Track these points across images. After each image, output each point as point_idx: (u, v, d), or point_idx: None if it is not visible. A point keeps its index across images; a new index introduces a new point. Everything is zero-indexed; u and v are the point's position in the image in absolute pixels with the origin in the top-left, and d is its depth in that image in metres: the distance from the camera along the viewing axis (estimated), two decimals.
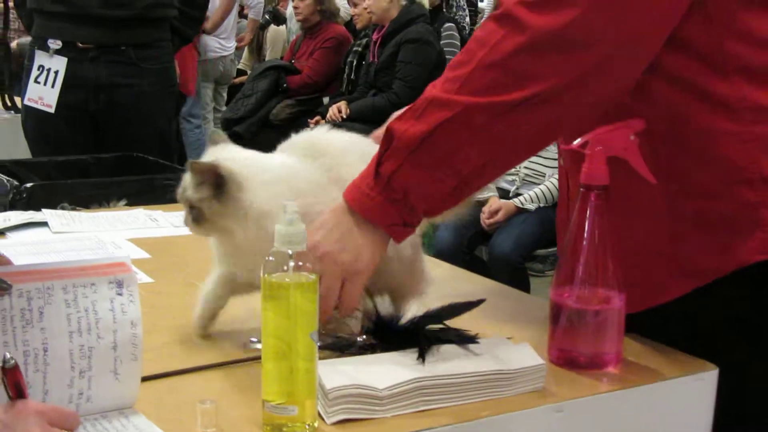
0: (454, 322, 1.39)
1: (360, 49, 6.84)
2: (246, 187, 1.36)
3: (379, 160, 1.30)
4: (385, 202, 1.30)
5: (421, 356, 1.27)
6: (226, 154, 1.43)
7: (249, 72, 8.67)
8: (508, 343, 1.36)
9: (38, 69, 3.46)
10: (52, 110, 3.44)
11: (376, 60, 6.47)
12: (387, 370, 1.22)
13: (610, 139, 1.36)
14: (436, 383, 1.21)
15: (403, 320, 1.38)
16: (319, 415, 1.16)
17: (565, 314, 1.37)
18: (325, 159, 1.44)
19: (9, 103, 4.94)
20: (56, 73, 3.43)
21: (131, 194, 2.60)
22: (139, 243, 2.06)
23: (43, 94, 3.45)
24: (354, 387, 1.17)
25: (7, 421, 0.93)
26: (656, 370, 1.37)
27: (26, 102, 3.52)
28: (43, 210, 2.28)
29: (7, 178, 2.66)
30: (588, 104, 1.33)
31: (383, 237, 1.33)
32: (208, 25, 7.31)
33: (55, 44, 3.44)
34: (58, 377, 1.09)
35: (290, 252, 1.11)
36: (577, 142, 1.36)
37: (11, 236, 2.10)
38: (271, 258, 1.12)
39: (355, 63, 6.81)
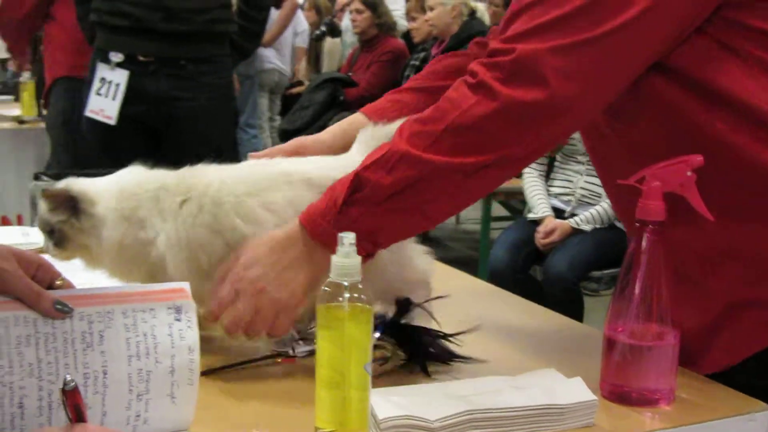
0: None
1: (418, 63, 6.84)
2: (98, 200, 1.48)
3: (345, 201, 1.33)
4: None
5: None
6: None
7: (306, 83, 8.72)
8: (560, 377, 1.36)
9: (100, 81, 3.52)
10: (113, 122, 3.50)
11: None
12: (439, 402, 1.23)
13: (668, 174, 1.36)
14: (487, 416, 1.22)
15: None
16: None
17: (618, 349, 1.37)
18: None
19: None
20: (117, 85, 3.49)
21: None
22: None
23: (104, 106, 3.51)
24: (406, 418, 1.18)
25: None
26: (708, 408, 1.36)
27: (87, 113, 3.58)
28: None
29: None
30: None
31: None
32: (266, 38, 7.38)
33: (116, 57, 3.50)
34: (116, 399, 1.11)
35: (346, 283, 1.12)
36: (633, 177, 1.37)
37: None
38: (326, 288, 1.14)
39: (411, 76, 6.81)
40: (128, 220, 1.48)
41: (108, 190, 1.51)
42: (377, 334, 1.43)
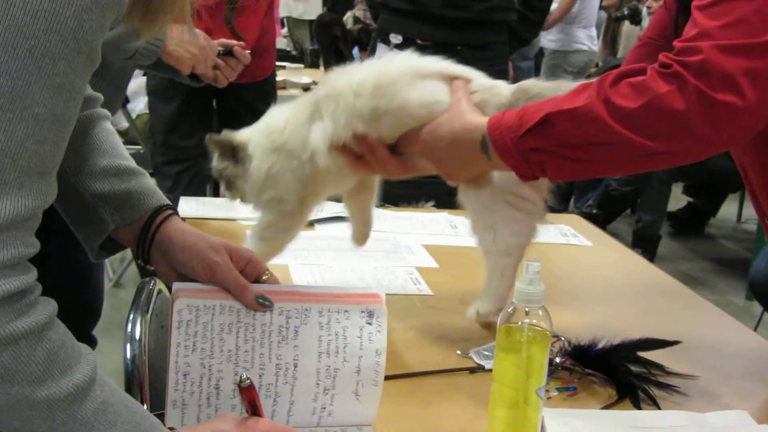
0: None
1: None
2: (247, 143, 1.66)
3: (529, 129, 1.41)
4: (521, 159, 1.43)
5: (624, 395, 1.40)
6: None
7: (600, 64, 8.62)
8: (750, 422, 1.34)
9: None
10: None
11: None
12: (611, 430, 1.25)
13: None
14: None
15: (600, 346, 1.51)
16: None
17: None
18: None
19: None
20: None
21: (441, 196, 2.71)
22: (431, 250, 2.17)
23: None
24: None
25: None
26: None
27: None
28: None
29: None
30: None
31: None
32: (548, 21, 7.36)
33: (396, 39, 3.62)
34: (304, 391, 1.21)
35: (527, 309, 1.17)
36: None
37: (319, 228, 2.27)
38: (509, 310, 1.18)
39: None
40: (277, 150, 1.64)
41: (257, 131, 1.68)
42: (558, 360, 1.47)
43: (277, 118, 1.68)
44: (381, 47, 3.65)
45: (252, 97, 3.99)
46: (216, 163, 1.70)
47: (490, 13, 3.60)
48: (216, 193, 3.89)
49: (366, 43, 5.72)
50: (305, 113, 1.63)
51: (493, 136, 1.45)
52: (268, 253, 1.70)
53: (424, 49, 3.51)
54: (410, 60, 1.65)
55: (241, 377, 1.07)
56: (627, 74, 1.37)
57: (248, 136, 1.68)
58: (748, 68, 1.29)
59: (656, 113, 1.34)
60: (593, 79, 1.40)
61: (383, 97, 1.55)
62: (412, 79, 1.59)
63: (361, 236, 1.83)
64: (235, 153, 1.66)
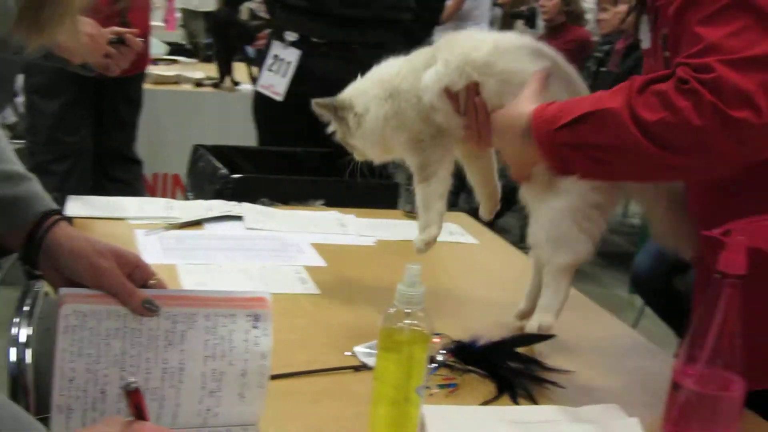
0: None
1: (601, 55, 6.79)
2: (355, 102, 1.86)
3: (564, 124, 1.48)
4: (553, 152, 1.51)
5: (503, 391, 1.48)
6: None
7: None
8: (620, 415, 1.41)
9: (273, 58, 3.67)
10: (280, 98, 3.65)
11: (616, 69, 6.42)
12: (489, 426, 1.30)
13: (754, 230, 1.39)
14: None
15: (481, 343, 1.59)
16: None
17: (684, 394, 1.40)
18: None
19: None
20: (289, 63, 3.63)
21: (331, 194, 2.74)
22: (320, 249, 2.21)
23: (274, 82, 3.66)
24: None
25: None
26: None
27: (258, 88, 3.74)
28: (242, 204, 2.46)
29: (220, 165, 2.87)
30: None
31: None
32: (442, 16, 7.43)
33: (291, 36, 3.64)
34: (189, 394, 1.23)
35: (408, 311, 1.21)
36: (718, 230, 1.40)
37: (208, 227, 2.29)
38: (391, 311, 1.23)
39: (593, 68, 6.78)
40: (391, 96, 1.81)
41: (367, 84, 1.90)
42: (440, 357, 1.53)
43: (388, 69, 1.86)
44: (276, 44, 3.67)
45: (133, 90, 4.00)
46: (332, 128, 1.90)
47: (386, 12, 3.65)
48: (97, 192, 3.85)
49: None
50: (421, 61, 1.79)
51: (534, 125, 1.53)
52: (438, 190, 1.81)
53: (318, 48, 3.58)
54: (531, 40, 1.73)
55: (127, 381, 1.09)
56: (655, 80, 1.42)
57: (355, 91, 1.87)
58: (762, 82, 1.33)
59: (675, 127, 1.38)
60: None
61: (500, 58, 1.67)
62: (529, 55, 1.67)
63: (488, 209, 1.94)
64: (336, 112, 1.86)
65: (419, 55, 1.80)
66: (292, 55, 3.63)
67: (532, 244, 1.71)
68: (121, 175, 4.22)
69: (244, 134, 4.10)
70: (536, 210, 1.69)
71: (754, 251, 1.37)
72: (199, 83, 5.26)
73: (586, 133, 1.47)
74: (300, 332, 1.68)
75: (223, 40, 5.12)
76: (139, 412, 1.08)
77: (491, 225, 2.52)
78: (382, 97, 1.81)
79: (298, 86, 3.63)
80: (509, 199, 5.95)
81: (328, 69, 3.61)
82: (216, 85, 5.24)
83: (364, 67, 3.63)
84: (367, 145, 1.86)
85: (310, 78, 3.61)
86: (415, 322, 1.22)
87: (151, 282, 1.27)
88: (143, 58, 3.97)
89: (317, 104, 1.87)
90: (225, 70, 5.23)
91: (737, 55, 1.34)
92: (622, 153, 1.44)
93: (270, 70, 3.69)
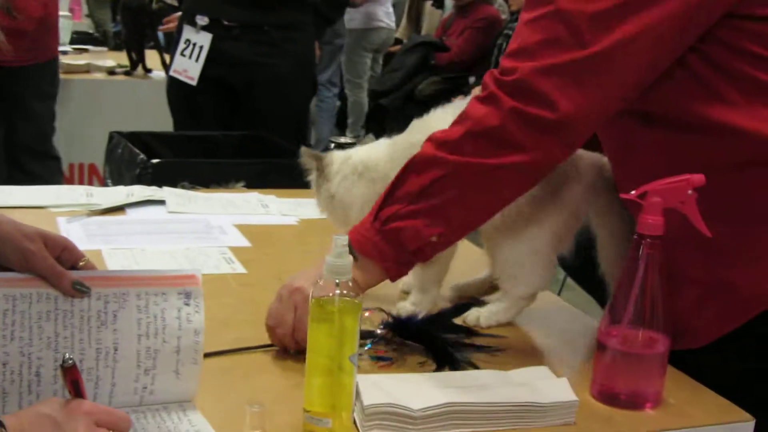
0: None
1: (511, 32, 6.86)
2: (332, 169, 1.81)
3: (381, 206, 1.51)
4: (381, 241, 1.50)
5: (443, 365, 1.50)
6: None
7: (404, 41, 8.77)
8: (549, 375, 1.44)
9: (185, 43, 3.65)
10: (194, 83, 3.64)
11: None
12: (424, 392, 1.33)
13: (669, 191, 1.43)
14: (468, 409, 1.31)
15: (420, 317, 1.61)
16: (356, 425, 1.28)
17: (610, 353, 1.45)
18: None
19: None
20: (201, 48, 3.61)
21: (251, 176, 2.74)
22: (243, 229, 2.21)
23: (187, 66, 3.65)
24: (390, 405, 1.27)
25: (59, 419, 1.06)
26: (692, 415, 1.43)
27: (171, 73, 3.72)
28: (163, 188, 2.45)
29: (138, 151, 2.85)
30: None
31: (378, 276, 1.53)
32: None
33: (202, 20, 3.62)
34: (125, 373, 1.23)
35: (337, 281, 1.23)
36: (635, 192, 1.44)
37: (130, 213, 2.28)
38: (320, 283, 1.24)
39: (504, 46, 6.85)
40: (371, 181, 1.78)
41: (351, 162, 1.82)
42: (379, 331, 1.55)
43: (376, 151, 1.81)
44: (187, 29, 3.65)
45: (45, 81, 3.94)
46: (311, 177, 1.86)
47: None
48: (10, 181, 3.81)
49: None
50: (400, 150, 1.72)
51: (353, 238, 1.50)
52: (436, 275, 1.77)
53: (230, 31, 3.57)
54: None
55: (64, 357, 1.09)
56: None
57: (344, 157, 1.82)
58: (558, 84, 1.41)
59: (479, 134, 1.45)
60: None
61: None
62: None
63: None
64: (320, 167, 1.82)
65: (399, 143, 1.78)
66: (204, 39, 3.62)
67: (497, 278, 1.75)
68: (37, 170, 4.16)
69: (159, 121, 4.07)
70: (497, 248, 1.72)
71: (669, 212, 1.42)
72: (111, 71, 5.19)
73: (405, 191, 1.50)
74: (229, 310, 1.69)
75: (134, 28, 5.07)
76: (76, 390, 1.09)
77: None
78: (362, 177, 1.79)
79: (211, 69, 3.62)
80: None
81: (240, 52, 3.60)
82: (128, 73, 5.19)
83: (276, 49, 3.66)
84: (333, 210, 1.85)
85: (222, 61, 3.61)
86: (345, 291, 1.24)
87: (81, 264, 1.27)
88: (45, 44, 3.92)
89: (305, 153, 1.84)
90: (136, 58, 5.18)
91: (543, 62, 1.42)
92: (443, 181, 1.47)
93: (182, 54, 3.67)
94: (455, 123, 1.50)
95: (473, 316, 1.71)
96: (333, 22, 4.16)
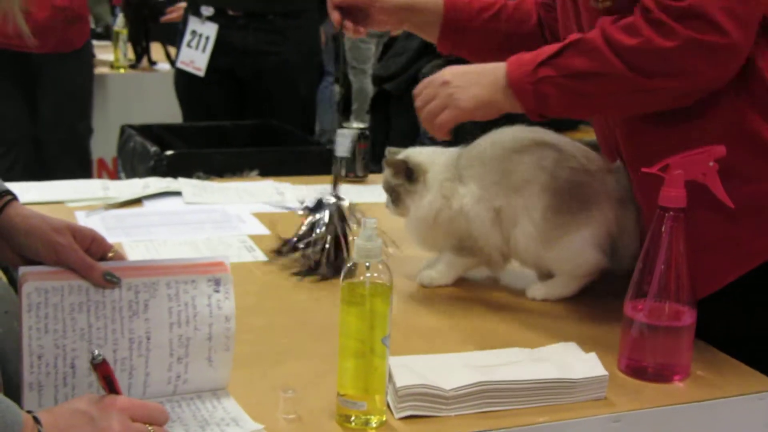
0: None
1: None
2: (427, 170, 1.79)
3: (542, 60, 1.56)
4: (531, 91, 1.56)
5: None
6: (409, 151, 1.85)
7: None
8: (578, 351, 1.45)
9: (191, 34, 3.66)
10: (201, 74, 3.64)
11: None
12: (457, 372, 1.33)
13: (690, 163, 1.43)
14: (499, 387, 1.31)
15: None
16: (389, 408, 1.29)
17: (637, 327, 1.45)
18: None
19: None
20: (207, 38, 3.62)
21: (264, 164, 2.75)
22: (261, 218, 2.21)
23: (194, 57, 3.66)
24: (422, 387, 1.28)
25: (93, 414, 1.07)
26: (719, 386, 1.44)
27: (178, 65, 3.73)
28: (179, 179, 2.45)
29: (151, 143, 2.85)
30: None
31: (513, 108, 1.62)
32: None
33: (207, 11, 3.63)
34: (158, 362, 1.24)
35: (368, 264, 1.23)
36: (657, 165, 1.44)
37: (147, 204, 2.28)
38: (350, 266, 1.24)
39: None
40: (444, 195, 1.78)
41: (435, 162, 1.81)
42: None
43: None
44: (192, 20, 3.65)
45: (69, 75, 3.92)
46: (389, 177, 1.83)
47: None
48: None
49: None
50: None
51: (510, 69, 1.58)
52: (466, 263, 1.82)
53: (235, 20, 3.57)
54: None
55: (93, 354, 1.10)
56: (622, 18, 1.50)
57: (430, 161, 1.81)
58: (727, 7, 1.41)
59: (647, 53, 1.46)
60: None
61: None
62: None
63: None
64: (410, 173, 1.80)
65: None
66: (210, 30, 3.63)
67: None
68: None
69: (167, 113, 4.08)
70: (540, 258, 1.76)
71: (691, 184, 1.42)
72: (114, 65, 5.18)
73: (565, 63, 1.53)
74: (254, 298, 1.69)
75: (137, 21, 5.07)
76: (110, 385, 1.09)
77: None
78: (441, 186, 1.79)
79: (218, 60, 3.63)
80: None
81: (247, 41, 3.61)
82: (133, 66, 5.18)
83: (282, 37, 3.66)
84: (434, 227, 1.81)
85: (229, 51, 3.61)
86: (375, 274, 1.24)
87: (110, 255, 1.28)
88: (72, 34, 3.91)
89: (388, 162, 1.82)
90: (141, 51, 5.17)
91: None
92: (600, 79, 1.51)
93: (189, 46, 3.68)
94: (627, 29, 1.49)
95: (533, 293, 1.77)
96: None
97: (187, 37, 3.68)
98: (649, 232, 1.45)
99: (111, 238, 1.90)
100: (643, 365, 1.45)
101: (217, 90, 3.70)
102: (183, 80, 3.78)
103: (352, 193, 2.43)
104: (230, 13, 3.63)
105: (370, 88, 8.37)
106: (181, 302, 1.25)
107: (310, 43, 3.80)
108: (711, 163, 1.43)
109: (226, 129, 3.35)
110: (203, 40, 3.64)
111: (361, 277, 1.24)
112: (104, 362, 1.10)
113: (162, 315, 1.24)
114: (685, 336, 1.45)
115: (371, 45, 8.61)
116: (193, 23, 3.66)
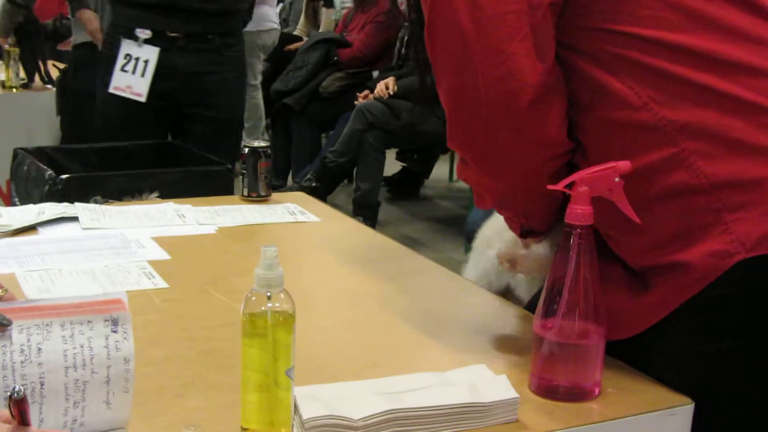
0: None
1: None
2: None
3: None
4: None
5: None
6: None
7: (305, 39, 8.69)
8: (488, 374, 1.42)
9: (125, 58, 3.56)
10: (143, 99, 3.55)
11: None
12: (365, 400, 1.30)
13: (596, 180, 1.42)
14: (410, 415, 1.28)
15: None
16: None
17: (547, 346, 1.43)
18: None
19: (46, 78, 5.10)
20: (146, 62, 3.53)
21: (165, 186, 2.69)
22: (161, 242, 2.15)
23: (131, 82, 3.55)
24: (330, 417, 1.24)
25: None
26: (632, 403, 1.43)
27: (112, 90, 3.60)
28: (75, 204, 2.38)
29: (45, 167, 2.76)
30: None
31: None
32: None
33: (144, 34, 3.54)
34: (53, 407, 1.18)
35: (269, 294, 1.19)
36: (561, 183, 1.43)
37: (42, 231, 2.20)
38: (252, 298, 1.20)
39: (406, 39, 6.83)
40: None
41: None
42: None
43: None
44: (126, 43, 3.56)
45: None
46: None
47: (237, 2, 3.69)
48: None
49: (62, 35, 5.54)
50: None
51: None
52: None
53: (175, 41, 3.51)
54: None
55: (14, 389, 1.04)
56: None
57: None
58: None
59: None
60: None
61: None
62: None
63: None
64: None
65: None
66: (150, 53, 3.54)
67: None
68: None
69: (60, 133, 3.97)
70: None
71: (597, 200, 1.41)
72: (6, 85, 5.07)
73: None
74: (155, 328, 1.64)
75: (27, 41, 4.97)
76: (22, 418, 1.04)
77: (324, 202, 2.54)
78: None
79: (159, 83, 3.56)
80: (338, 176, 5.93)
81: (189, 63, 3.57)
82: (25, 86, 5.06)
83: (223, 57, 3.63)
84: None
85: (170, 74, 3.55)
86: (277, 304, 1.20)
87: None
88: None
89: None
90: (33, 70, 5.06)
91: None
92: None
93: (123, 70, 3.57)
94: None
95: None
96: (248, 22, 4.13)
97: (121, 61, 3.57)
98: (558, 250, 1.44)
99: (3, 269, 1.87)
100: (554, 384, 1.44)
101: (154, 113, 3.63)
102: (116, 105, 3.64)
103: (255, 214, 2.40)
104: (169, 35, 3.56)
105: (262, 103, 8.32)
106: (76, 344, 1.19)
107: (241, 61, 3.80)
108: (617, 179, 1.42)
109: (127, 150, 3.27)
110: (141, 64, 3.54)
111: (263, 308, 1.20)
112: (24, 399, 1.05)
113: (57, 359, 1.17)
114: (595, 354, 1.44)
115: (260, 60, 8.55)
116: (127, 46, 3.56)
